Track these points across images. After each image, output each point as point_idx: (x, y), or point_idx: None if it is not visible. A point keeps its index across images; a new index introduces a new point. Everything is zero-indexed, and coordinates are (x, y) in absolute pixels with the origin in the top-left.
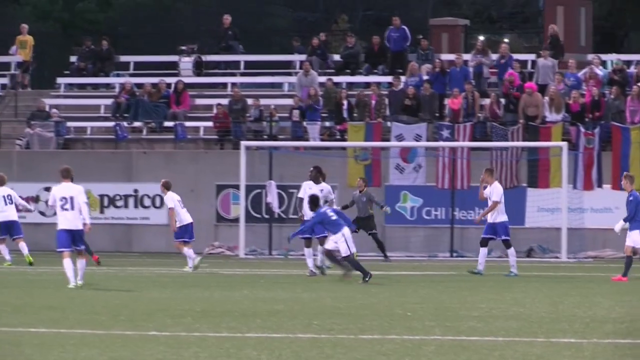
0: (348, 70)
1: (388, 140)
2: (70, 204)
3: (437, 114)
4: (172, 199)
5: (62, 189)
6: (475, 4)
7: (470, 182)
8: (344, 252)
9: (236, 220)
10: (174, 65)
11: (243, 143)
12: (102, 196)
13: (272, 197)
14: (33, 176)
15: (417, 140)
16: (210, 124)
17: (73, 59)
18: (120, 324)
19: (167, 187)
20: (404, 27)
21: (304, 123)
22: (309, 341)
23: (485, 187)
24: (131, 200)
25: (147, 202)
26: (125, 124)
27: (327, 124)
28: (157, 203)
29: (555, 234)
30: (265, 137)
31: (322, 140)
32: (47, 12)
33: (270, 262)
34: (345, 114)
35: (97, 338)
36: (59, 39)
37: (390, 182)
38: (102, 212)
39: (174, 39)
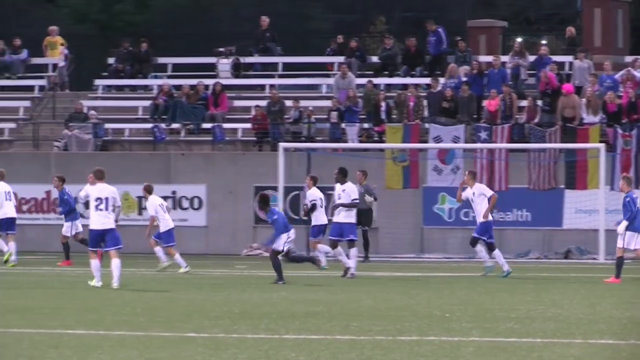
0: (386, 72)
1: (426, 141)
2: (105, 204)
3: (475, 116)
4: (153, 205)
5: (98, 190)
6: (512, 5)
7: (509, 184)
8: (278, 248)
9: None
10: (212, 67)
11: (281, 145)
12: (140, 198)
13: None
14: (71, 178)
15: (455, 142)
16: (248, 125)
17: (111, 60)
18: (158, 326)
19: (149, 191)
20: (438, 29)
21: (342, 124)
22: (348, 343)
23: (464, 189)
24: (169, 202)
25: (185, 203)
26: (163, 125)
27: (366, 125)
28: (196, 205)
29: (593, 235)
30: (303, 138)
31: (360, 141)
32: (84, 14)
33: (308, 263)
34: (383, 116)
35: (136, 339)
36: (97, 40)
37: (428, 183)
38: (140, 213)
39: (212, 40)
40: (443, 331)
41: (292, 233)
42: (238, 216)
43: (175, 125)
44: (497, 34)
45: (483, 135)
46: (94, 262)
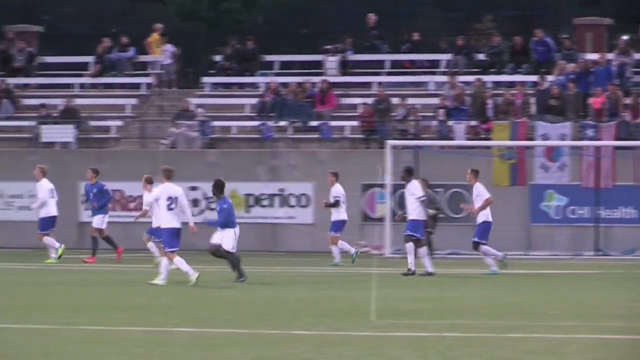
0: (493, 70)
1: (533, 139)
2: (176, 204)
3: (581, 113)
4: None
5: (169, 189)
6: (618, 3)
7: (615, 181)
8: (229, 248)
9: (382, 219)
10: (319, 64)
11: (389, 142)
12: (248, 195)
13: None
14: (178, 176)
15: (561, 140)
16: (355, 123)
17: (218, 58)
18: (265, 324)
19: (149, 182)
20: (546, 39)
21: (450, 122)
22: (454, 340)
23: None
24: (277, 200)
25: (292, 201)
26: (270, 123)
27: (473, 123)
28: (303, 202)
29: None
30: (410, 136)
31: (467, 139)
32: (192, 12)
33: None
34: (490, 113)
35: (242, 337)
36: (204, 38)
37: (535, 181)
38: (248, 211)
39: (319, 38)
40: (549, 329)
41: (237, 230)
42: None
43: (282, 123)
44: (603, 32)
45: (589, 132)
46: (179, 260)
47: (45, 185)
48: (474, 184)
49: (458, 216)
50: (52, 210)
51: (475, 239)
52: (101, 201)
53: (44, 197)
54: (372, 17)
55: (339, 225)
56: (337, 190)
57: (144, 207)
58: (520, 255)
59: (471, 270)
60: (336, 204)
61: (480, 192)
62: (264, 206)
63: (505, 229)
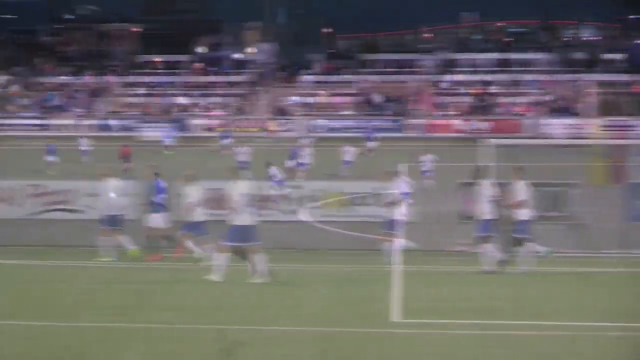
0: (592, 69)
1: (631, 137)
2: (246, 200)
3: None
4: (188, 193)
5: (241, 186)
6: None
7: None
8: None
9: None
10: (416, 63)
11: (489, 141)
12: (343, 194)
13: None
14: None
15: None
16: (456, 121)
17: (317, 56)
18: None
19: (190, 180)
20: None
21: (548, 120)
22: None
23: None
24: (371, 199)
25: (387, 199)
26: (368, 121)
27: (571, 121)
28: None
29: None
30: (508, 134)
31: (565, 137)
32: (290, 11)
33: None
34: (588, 112)
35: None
36: (303, 37)
37: (634, 179)
38: (342, 210)
39: (414, 37)
40: (623, 328)
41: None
42: (443, 211)
43: (377, 122)
44: None
45: None
46: (223, 257)
47: (113, 183)
48: (516, 181)
49: (553, 214)
50: (117, 208)
51: (516, 236)
52: (153, 198)
53: (115, 194)
54: (469, 17)
55: (393, 224)
56: (395, 187)
57: (189, 202)
58: (621, 253)
59: (565, 268)
60: (400, 200)
61: (520, 189)
62: (357, 205)
63: (602, 227)
